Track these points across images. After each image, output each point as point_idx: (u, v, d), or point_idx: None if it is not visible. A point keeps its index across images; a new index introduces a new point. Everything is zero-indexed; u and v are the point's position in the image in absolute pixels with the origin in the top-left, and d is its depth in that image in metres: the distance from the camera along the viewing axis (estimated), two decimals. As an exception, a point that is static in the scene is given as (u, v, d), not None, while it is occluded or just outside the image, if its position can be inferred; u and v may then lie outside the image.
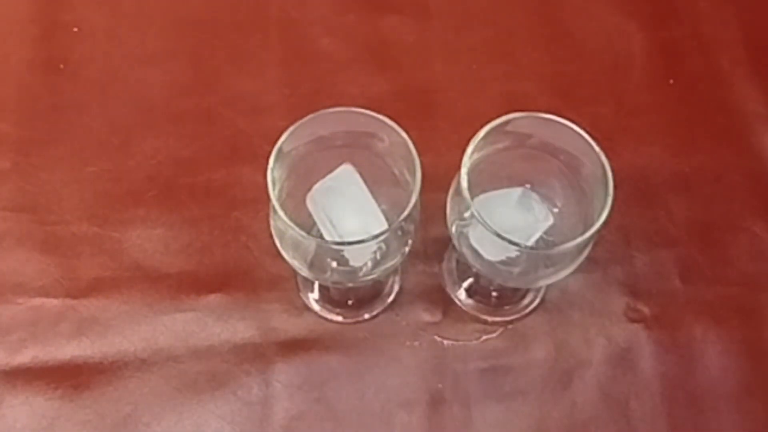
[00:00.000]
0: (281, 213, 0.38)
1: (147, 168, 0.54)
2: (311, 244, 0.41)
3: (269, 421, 0.47)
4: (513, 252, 0.40)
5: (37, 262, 0.51)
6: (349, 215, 0.43)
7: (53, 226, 0.52)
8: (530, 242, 0.44)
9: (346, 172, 0.43)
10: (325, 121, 0.40)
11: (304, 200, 0.43)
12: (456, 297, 0.51)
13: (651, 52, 0.60)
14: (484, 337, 0.50)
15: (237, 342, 0.49)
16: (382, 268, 0.43)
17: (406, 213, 0.38)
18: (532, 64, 0.59)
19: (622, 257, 0.52)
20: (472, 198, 0.40)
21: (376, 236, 0.38)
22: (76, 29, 0.59)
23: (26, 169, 0.54)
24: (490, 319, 0.51)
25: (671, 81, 0.59)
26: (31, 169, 0.54)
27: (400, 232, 0.40)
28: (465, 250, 0.43)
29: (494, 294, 0.52)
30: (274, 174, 0.39)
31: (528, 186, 0.46)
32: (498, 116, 0.41)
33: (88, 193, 0.53)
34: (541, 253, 0.43)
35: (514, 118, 0.41)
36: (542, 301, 0.51)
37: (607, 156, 0.40)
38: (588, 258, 0.42)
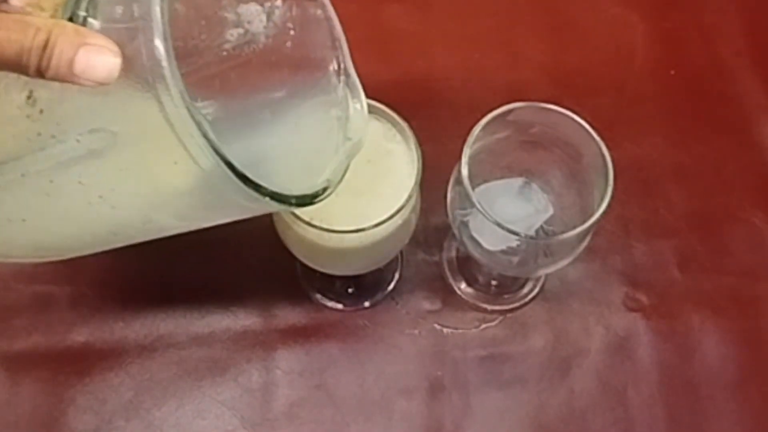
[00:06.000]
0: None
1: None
2: (312, 232, 0.41)
3: (270, 407, 0.48)
4: (513, 241, 0.41)
5: (39, 248, 0.51)
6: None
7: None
8: (530, 232, 0.44)
9: None
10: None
11: None
12: (456, 286, 0.52)
13: (652, 43, 0.60)
14: (484, 326, 0.50)
15: (238, 329, 0.49)
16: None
17: (404, 201, 0.38)
18: (533, 54, 0.59)
19: (621, 247, 0.52)
20: (473, 187, 0.40)
21: (377, 225, 0.38)
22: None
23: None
24: (489, 307, 0.51)
25: (672, 72, 0.59)
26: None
27: (400, 221, 0.40)
28: (465, 240, 0.43)
29: (494, 283, 0.52)
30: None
31: (528, 176, 0.46)
32: (499, 106, 0.41)
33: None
34: (540, 243, 0.43)
35: (515, 108, 0.41)
36: (541, 290, 0.51)
37: (607, 146, 0.40)
38: (587, 248, 0.42)
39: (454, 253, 0.53)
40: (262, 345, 0.49)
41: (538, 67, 0.59)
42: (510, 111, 0.41)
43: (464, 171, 0.40)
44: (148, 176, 0.31)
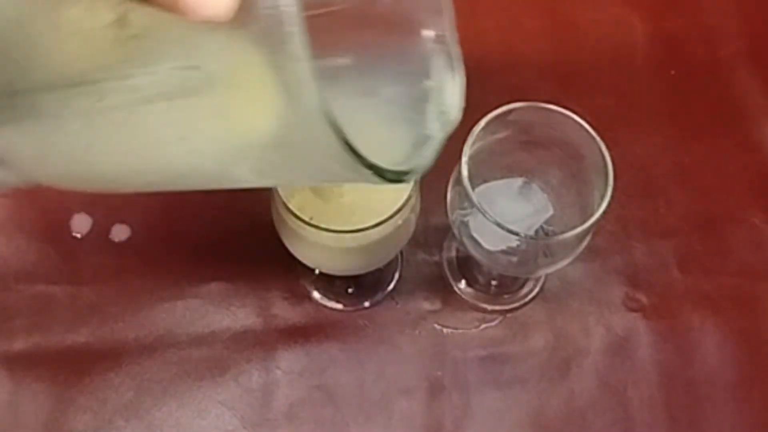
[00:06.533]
0: (284, 201, 0.38)
1: (148, 156, 0.54)
2: (312, 232, 0.41)
3: (270, 407, 0.48)
4: (513, 241, 0.41)
5: (39, 249, 0.51)
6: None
7: (54, 213, 0.52)
8: (530, 232, 0.44)
9: None
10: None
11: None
12: (456, 286, 0.52)
13: (652, 43, 0.60)
14: (484, 326, 0.50)
15: (238, 329, 0.49)
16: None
17: (404, 201, 0.38)
18: (533, 54, 0.59)
19: (621, 247, 0.52)
20: (473, 187, 0.40)
21: (377, 225, 0.38)
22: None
23: (27, 156, 0.54)
24: (489, 307, 0.51)
25: (672, 72, 0.59)
26: (33, 156, 0.54)
27: (400, 221, 0.40)
28: (465, 240, 0.43)
29: (494, 283, 0.52)
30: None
31: (528, 176, 0.46)
32: (499, 106, 0.41)
33: (90, 181, 0.53)
34: (540, 243, 0.43)
35: (515, 108, 0.41)
36: (541, 290, 0.51)
37: (607, 146, 0.40)
38: (587, 248, 0.42)
39: (454, 253, 0.53)
40: (262, 345, 0.49)
41: (538, 67, 0.59)
42: (510, 111, 0.41)
43: (464, 171, 0.40)
44: (240, 126, 0.28)
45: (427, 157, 0.32)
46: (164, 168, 0.32)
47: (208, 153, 0.30)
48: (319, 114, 0.25)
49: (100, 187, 0.36)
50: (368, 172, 0.28)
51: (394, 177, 0.29)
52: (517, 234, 0.39)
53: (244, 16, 0.24)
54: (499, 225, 0.39)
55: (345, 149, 0.26)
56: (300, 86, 0.24)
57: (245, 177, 0.31)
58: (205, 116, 0.28)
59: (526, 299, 0.51)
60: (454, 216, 0.43)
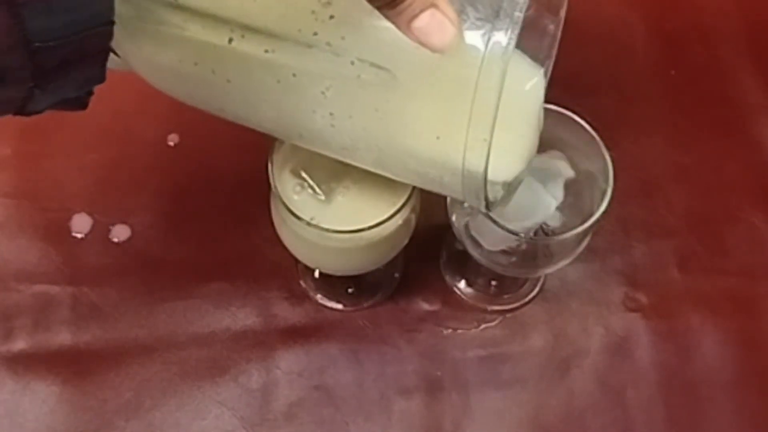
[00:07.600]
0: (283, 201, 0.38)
1: (148, 155, 0.54)
2: (312, 232, 0.41)
3: (269, 407, 0.48)
4: (513, 241, 0.41)
5: (39, 249, 0.51)
6: None
7: (54, 213, 0.52)
8: (530, 232, 0.44)
9: None
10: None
11: None
12: (455, 286, 0.52)
13: (652, 43, 0.60)
14: (483, 326, 0.50)
15: (238, 329, 0.50)
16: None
17: (404, 201, 0.38)
18: (533, 54, 0.59)
19: (621, 247, 0.52)
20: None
21: (377, 225, 0.38)
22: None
23: (27, 156, 0.54)
24: (489, 307, 0.51)
25: (672, 72, 0.59)
26: (32, 156, 0.54)
27: (400, 221, 0.40)
28: (465, 240, 0.43)
29: (493, 283, 0.52)
30: (275, 162, 0.39)
31: (528, 176, 0.46)
32: (499, 106, 0.41)
33: (90, 181, 0.53)
34: (540, 243, 0.43)
35: (515, 108, 0.41)
36: (541, 290, 0.51)
37: (607, 146, 0.40)
38: (587, 248, 0.42)
39: (454, 253, 0.53)
40: (262, 345, 0.49)
41: (538, 67, 0.59)
42: (510, 111, 0.41)
43: (464, 171, 0.40)
44: (396, 129, 0.30)
45: (500, 191, 0.35)
46: (289, 124, 0.33)
47: (348, 133, 0.31)
48: (483, 160, 0.28)
49: (204, 108, 0.36)
50: (484, 203, 0.31)
51: (491, 207, 0.33)
52: (516, 234, 0.39)
53: (460, 50, 0.26)
54: (499, 225, 0.39)
55: (483, 185, 0.29)
56: (483, 128, 0.27)
57: (366, 162, 0.33)
58: (367, 108, 0.30)
59: (526, 299, 0.51)
60: (454, 216, 0.43)
